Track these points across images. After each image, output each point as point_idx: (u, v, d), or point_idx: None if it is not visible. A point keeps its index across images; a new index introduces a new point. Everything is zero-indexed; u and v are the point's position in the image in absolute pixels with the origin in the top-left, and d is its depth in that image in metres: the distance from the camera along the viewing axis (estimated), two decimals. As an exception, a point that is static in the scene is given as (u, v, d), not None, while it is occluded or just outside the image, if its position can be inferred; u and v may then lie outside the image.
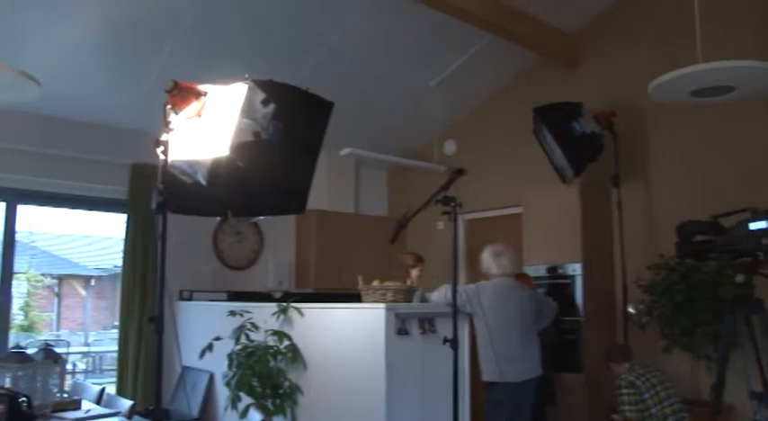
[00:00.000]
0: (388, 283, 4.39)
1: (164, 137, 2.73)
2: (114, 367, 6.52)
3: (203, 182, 2.98)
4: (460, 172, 3.90)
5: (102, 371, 11.31)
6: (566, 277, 5.75)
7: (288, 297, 5.17)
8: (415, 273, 5.61)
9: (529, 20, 5.91)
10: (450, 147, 7.55)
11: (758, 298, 3.55)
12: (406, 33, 5.95)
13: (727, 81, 4.01)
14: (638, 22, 6.06)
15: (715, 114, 5.30)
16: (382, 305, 4.04)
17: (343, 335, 4.30)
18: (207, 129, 2.86)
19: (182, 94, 2.80)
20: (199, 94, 2.84)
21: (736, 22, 5.32)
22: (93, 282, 14.89)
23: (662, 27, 5.82)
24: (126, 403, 4.30)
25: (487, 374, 4.43)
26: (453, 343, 3.80)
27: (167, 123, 2.76)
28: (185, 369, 5.86)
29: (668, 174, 5.76)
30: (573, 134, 5.51)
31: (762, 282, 3.57)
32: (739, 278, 3.59)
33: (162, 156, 2.72)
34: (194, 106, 2.83)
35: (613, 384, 4.55)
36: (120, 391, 5.92)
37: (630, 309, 5.57)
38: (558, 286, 5.76)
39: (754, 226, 3.51)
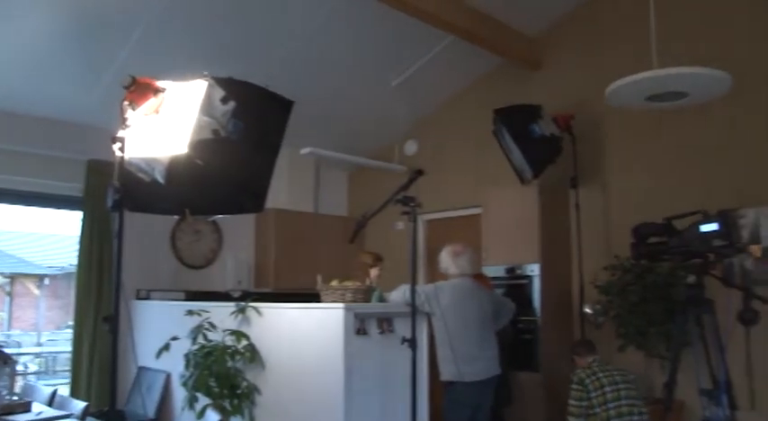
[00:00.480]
0: (347, 283, 4.38)
1: (121, 133, 2.69)
2: (68, 368, 6.41)
3: (161, 180, 2.94)
4: (420, 172, 3.91)
5: (55, 372, 11.10)
6: (524, 277, 5.81)
7: (246, 296, 5.14)
8: (374, 272, 5.61)
9: (490, 22, 5.95)
10: (410, 148, 7.57)
11: (708, 298, 3.63)
12: (368, 33, 5.95)
13: (680, 87, 4.11)
14: (597, 27, 6.16)
15: (670, 119, 5.42)
16: (341, 305, 4.03)
17: (302, 334, 4.29)
18: (165, 126, 2.83)
19: (139, 90, 2.76)
20: (157, 91, 2.80)
21: (691, 29, 5.44)
22: (46, 281, 14.63)
23: (620, 33, 5.92)
24: (79, 405, 4.24)
25: (446, 374, 4.45)
26: (412, 342, 3.81)
27: (124, 120, 2.72)
28: (141, 369, 5.78)
29: (624, 177, 5.86)
30: (532, 136, 5.58)
31: (712, 282, 3.66)
32: (691, 279, 3.67)
33: (119, 153, 2.68)
34: (152, 103, 2.80)
35: (565, 384, 4.61)
36: (74, 393, 5.81)
37: (587, 309, 5.65)
38: (516, 286, 5.82)
39: (704, 228, 3.59)
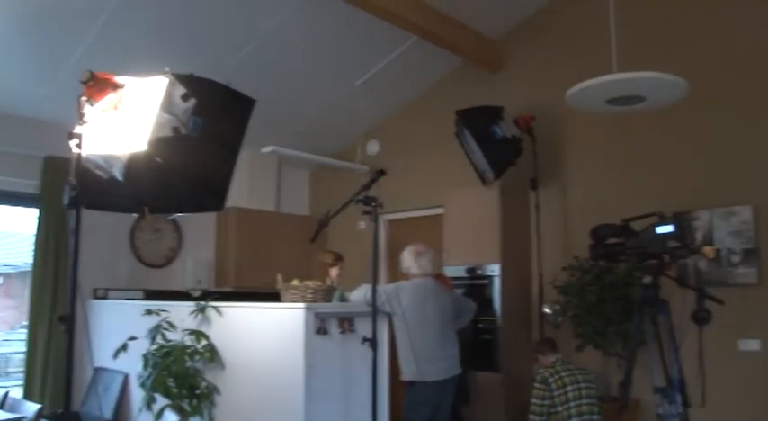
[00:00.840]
0: (307, 283, 4.36)
1: (78, 129, 2.65)
2: (21, 369, 6.28)
3: (119, 177, 2.89)
4: (382, 172, 3.93)
5: (7, 373, 10.86)
6: (484, 278, 5.85)
7: (206, 296, 5.09)
8: (334, 271, 5.59)
9: (452, 23, 5.99)
10: (372, 148, 7.58)
11: (663, 298, 3.70)
12: (332, 32, 5.94)
13: (638, 91, 4.18)
14: (559, 30, 6.24)
15: (629, 122, 5.51)
16: (302, 304, 4.02)
17: (262, 334, 4.26)
18: (124, 122, 2.79)
19: (98, 85, 2.71)
20: (116, 86, 2.76)
21: (651, 35, 5.54)
22: (0, 280, 14.31)
23: (580, 36, 6.00)
24: (32, 407, 4.16)
25: (407, 374, 4.46)
26: (372, 342, 3.82)
27: (82, 116, 2.67)
28: (98, 370, 5.69)
29: (583, 179, 5.95)
30: (494, 137, 5.63)
31: (667, 283, 3.73)
32: (647, 279, 3.73)
33: (76, 150, 2.64)
34: (111, 98, 2.75)
35: (529, 383, 4.66)
36: (27, 395, 5.70)
37: (546, 309, 5.71)
38: (476, 286, 5.85)
39: (660, 230, 3.66)
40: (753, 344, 4.90)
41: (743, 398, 4.88)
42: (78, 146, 2.64)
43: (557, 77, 5.92)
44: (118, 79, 2.78)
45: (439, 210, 6.43)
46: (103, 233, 6.13)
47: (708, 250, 5.10)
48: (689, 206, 5.18)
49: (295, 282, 4.37)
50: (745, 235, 4.99)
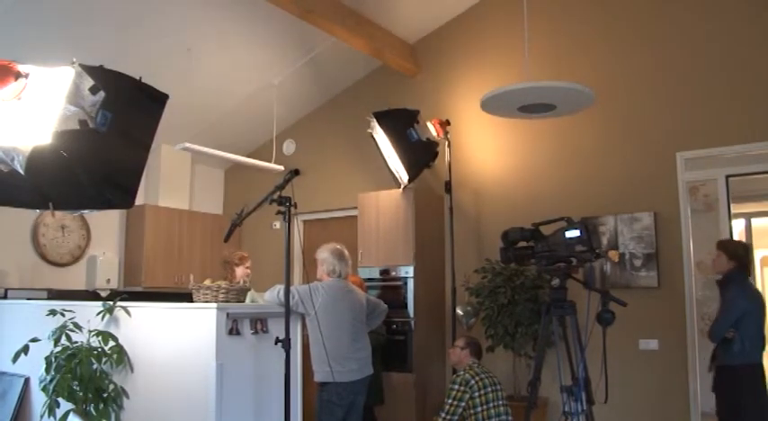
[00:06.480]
0: (220, 283, 4.29)
1: (-24, 120, 2.53)
2: None
3: (21, 171, 2.78)
4: (296, 172, 3.90)
5: None
6: (398, 279, 5.90)
7: (115, 295, 4.93)
8: (239, 271, 5.50)
9: (371, 27, 6.02)
10: (289, 147, 7.53)
11: (571, 300, 3.81)
12: (250, 30, 5.88)
13: (548, 99, 4.31)
14: (475, 38, 6.35)
15: (539, 129, 5.67)
16: (213, 304, 3.95)
17: (173, 335, 4.16)
18: (27, 113, 2.68)
19: (-1, 73, 2.60)
20: (18, 75, 2.65)
21: (561, 47, 5.71)
22: None
23: (495, 45, 6.13)
24: None
25: (319, 375, 4.44)
26: (285, 343, 3.79)
27: (-21, 105, 2.56)
28: (-5, 374, 5.43)
29: (496, 183, 6.07)
30: (409, 140, 5.68)
31: (574, 285, 3.85)
32: (555, 282, 3.83)
33: (-27, 141, 2.52)
34: (13, 87, 2.64)
35: (441, 384, 4.70)
36: None
37: (458, 311, 5.80)
38: (390, 288, 5.90)
39: (568, 234, 3.77)
40: (652, 344, 5.14)
41: (641, 394, 5.10)
42: (-24, 137, 2.52)
43: (472, 83, 6.03)
44: (21, 67, 2.67)
45: (354, 212, 6.45)
46: (4, 229, 5.86)
47: (613, 254, 5.30)
48: (596, 211, 5.36)
49: (207, 282, 4.30)
50: (647, 240, 5.21)
